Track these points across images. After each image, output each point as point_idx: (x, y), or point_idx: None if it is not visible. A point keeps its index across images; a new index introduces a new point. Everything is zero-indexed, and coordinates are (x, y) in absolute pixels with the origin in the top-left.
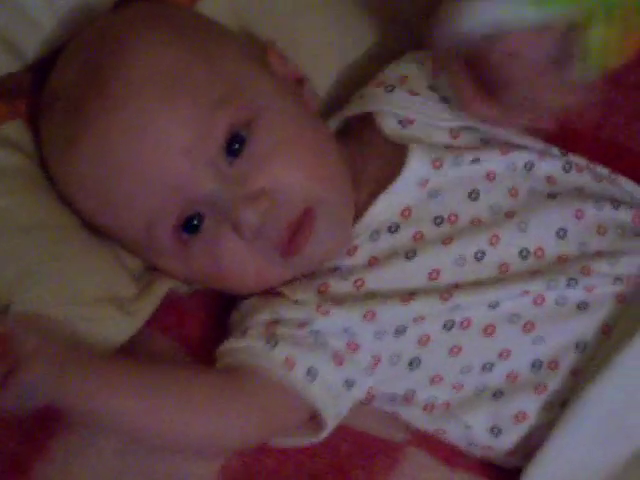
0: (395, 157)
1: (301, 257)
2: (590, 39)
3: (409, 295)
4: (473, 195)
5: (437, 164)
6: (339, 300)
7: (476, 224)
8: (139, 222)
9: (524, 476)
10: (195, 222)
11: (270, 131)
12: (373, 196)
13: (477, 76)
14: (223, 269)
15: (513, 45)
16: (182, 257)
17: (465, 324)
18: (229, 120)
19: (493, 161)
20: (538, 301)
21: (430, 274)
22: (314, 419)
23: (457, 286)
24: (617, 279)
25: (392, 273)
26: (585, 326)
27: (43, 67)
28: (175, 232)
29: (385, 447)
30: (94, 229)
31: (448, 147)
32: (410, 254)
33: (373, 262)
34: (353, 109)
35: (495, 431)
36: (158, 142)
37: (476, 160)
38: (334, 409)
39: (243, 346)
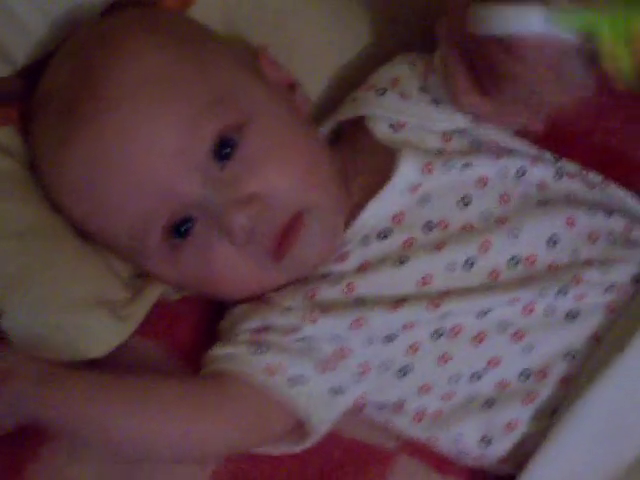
0: (386, 162)
1: (291, 260)
2: (616, 51)
3: (399, 302)
4: (465, 200)
5: (428, 169)
6: (327, 307)
7: (467, 230)
8: (130, 225)
9: None
10: (185, 227)
11: (262, 135)
12: (365, 201)
13: (474, 69)
14: (214, 274)
15: (530, 48)
16: (173, 261)
17: (455, 331)
18: (219, 124)
19: (485, 166)
20: (527, 310)
21: (423, 279)
22: (301, 427)
23: (447, 293)
24: (608, 288)
25: (383, 278)
26: (575, 335)
27: (34, 72)
28: (166, 236)
29: (377, 455)
30: (85, 235)
31: (440, 151)
32: (402, 259)
33: (364, 267)
34: (345, 113)
35: (486, 440)
36: (150, 144)
37: (468, 165)
38: (318, 416)
39: (228, 352)
